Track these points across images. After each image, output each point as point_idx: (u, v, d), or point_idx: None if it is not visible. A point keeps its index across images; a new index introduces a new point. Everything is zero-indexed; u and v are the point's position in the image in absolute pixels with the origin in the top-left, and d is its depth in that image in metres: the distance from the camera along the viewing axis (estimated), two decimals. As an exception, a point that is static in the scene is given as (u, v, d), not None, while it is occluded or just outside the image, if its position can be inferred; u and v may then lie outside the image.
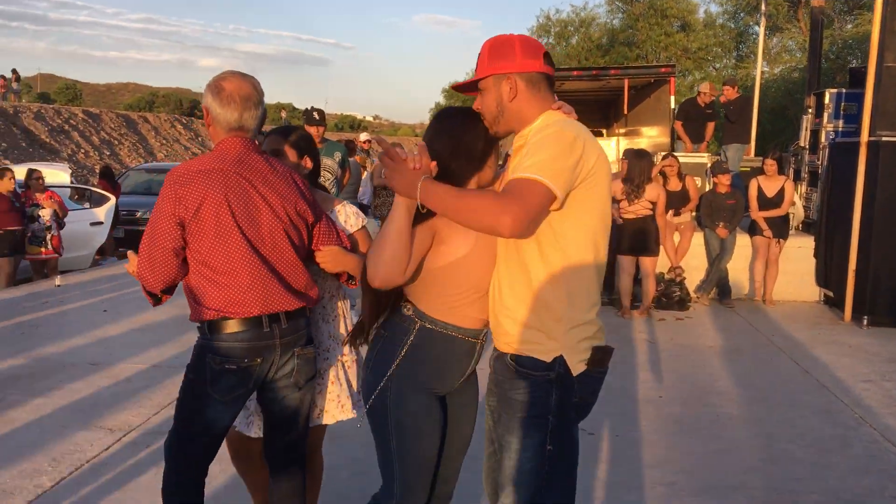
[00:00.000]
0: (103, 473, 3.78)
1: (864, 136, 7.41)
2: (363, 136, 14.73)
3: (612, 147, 14.95)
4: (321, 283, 2.70)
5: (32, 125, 33.20)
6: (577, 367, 2.05)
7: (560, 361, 2.04)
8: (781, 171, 8.60)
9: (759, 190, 8.34)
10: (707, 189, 8.94)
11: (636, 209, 7.61)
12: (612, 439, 4.44)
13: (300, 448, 2.69)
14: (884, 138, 7.27)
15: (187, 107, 64.46)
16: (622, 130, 17.48)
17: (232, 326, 2.44)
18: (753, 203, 8.36)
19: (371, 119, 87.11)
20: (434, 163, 2.03)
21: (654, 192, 7.64)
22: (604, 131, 18.48)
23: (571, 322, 2.04)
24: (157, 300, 2.49)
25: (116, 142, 38.03)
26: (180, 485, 2.53)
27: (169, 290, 2.49)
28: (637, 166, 7.62)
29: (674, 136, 11.92)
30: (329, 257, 2.59)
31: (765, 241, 8.34)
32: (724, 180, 8.35)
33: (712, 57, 24.64)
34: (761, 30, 12.73)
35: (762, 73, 24.82)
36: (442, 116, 2.25)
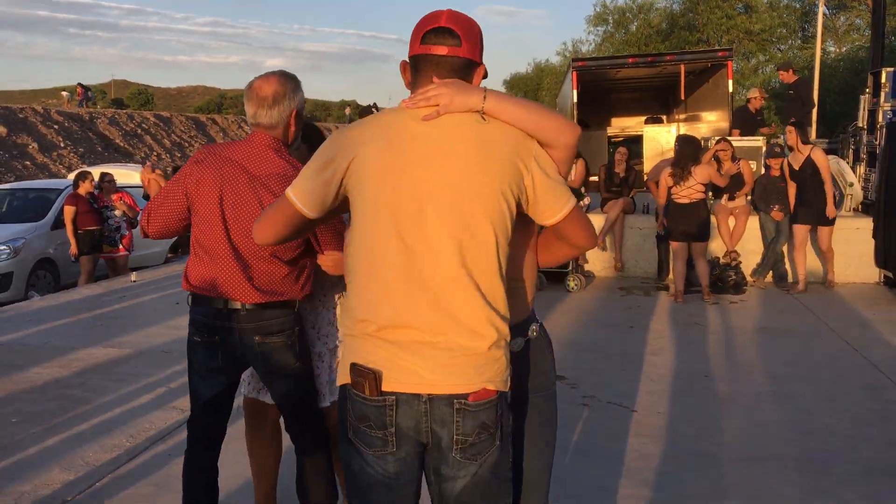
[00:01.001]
0: (176, 448, 4.13)
1: (920, 114, 7.33)
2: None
3: (672, 133, 14.90)
4: (323, 273, 2.79)
5: (107, 130, 34.62)
6: (341, 377, 1.84)
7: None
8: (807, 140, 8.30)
9: (789, 166, 8.20)
10: (762, 173, 8.92)
11: (689, 193, 7.66)
12: (653, 415, 4.59)
13: (314, 428, 2.83)
14: (940, 116, 7.18)
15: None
16: (682, 116, 17.36)
17: (198, 301, 2.68)
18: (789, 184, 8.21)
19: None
20: None
21: (703, 173, 7.68)
22: (664, 118, 18.36)
23: (348, 331, 1.83)
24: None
25: (187, 144, 39.32)
26: (190, 458, 2.80)
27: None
28: (682, 150, 7.72)
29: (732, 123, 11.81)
30: (329, 262, 2.68)
31: (801, 227, 8.12)
32: (777, 164, 8.33)
33: (776, 38, 24.12)
34: (820, 8, 12.48)
35: (827, 53, 24.22)
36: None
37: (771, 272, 8.68)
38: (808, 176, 7.92)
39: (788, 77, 10.92)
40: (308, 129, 2.89)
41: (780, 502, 3.48)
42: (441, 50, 1.83)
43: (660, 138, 14.22)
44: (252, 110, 2.64)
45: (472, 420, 1.75)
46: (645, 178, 10.43)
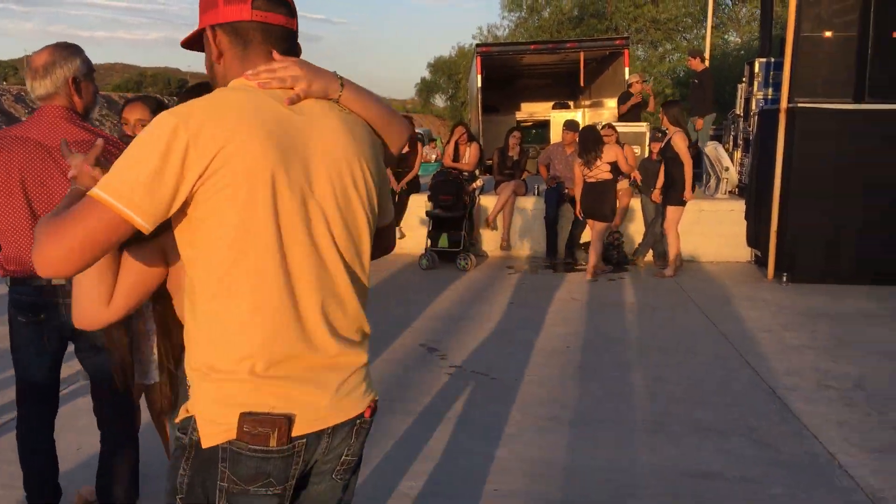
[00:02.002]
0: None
1: (784, 103, 7.80)
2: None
3: (580, 118, 15.33)
4: None
5: (12, 107, 33.23)
6: (216, 435, 1.48)
7: (192, 422, 1.52)
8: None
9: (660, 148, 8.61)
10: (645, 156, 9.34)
11: (596, 174, 8.10)
12: (511, 382, 4.86)
13: (126, 415, 2.86)
14: (800, 105, 7.66)
15: (175, 86, 64.11)
16: (587, 102, 17.87)
17: (18, 282, 2.67)
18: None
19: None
20: None
21: (611, 153, 8.14)
22: (571, 103, 18.83)
23: (214, 372, 1.49)
24: None
25: (98, 123, 38.08)
26: (25, 434, 2.85)
27: None
28: (585, 140, 8.20)
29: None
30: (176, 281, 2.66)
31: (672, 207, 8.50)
32: (657, 148, 8.74)
33: (682, 28, 24.97)
34: (710, 2, 13.04)
35: (728, 42, 25.16)
36: (185, 92, 2.06)
37: (651, 251, 9.11)
38: (670, 158, 8.27)
39: (697, 65, 11.40)
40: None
41: (614, 458, 3.77)
42: (279, 19, 1.56)
43: (567, 123, 14.61)
44: (28, 83, 2.64)
45: (362, 437, 1.64)
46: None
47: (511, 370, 5.10)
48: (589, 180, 8.18)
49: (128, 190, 1.35)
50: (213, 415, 1.48)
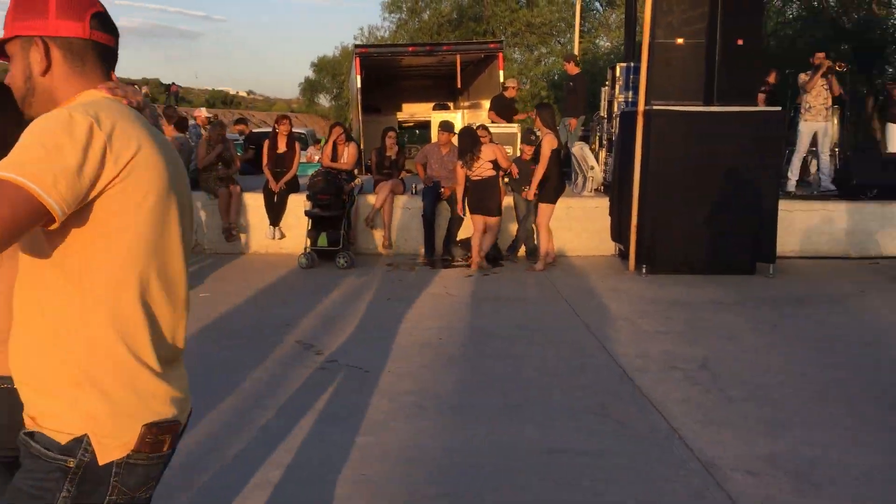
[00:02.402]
0: None
1: (641, 106, 8.31)
2: (204, 112, 14.77)
3: (458, 120, 15.68)
4: None
5: None
6: (113, 451, 1.48)
7: (84, 443, 1.47)
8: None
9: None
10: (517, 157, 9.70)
11: (480, 171, 8.55)
12: (383, 374, 5.03)
13: None
14: (655, 107, 8.18)
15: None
16: (466, 104, 18.27)
17: None
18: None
19: (245, 94, 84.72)
20: None
21: (489, 151, 8.60)
22: (451, 105, 19.20)
23: (94, 383, 1.47)
24: None
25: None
26: None
27: None
28: (462, 142, 8.69)
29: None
30: None
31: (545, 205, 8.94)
32: (529, 149, 9.12)
33: (557, 32, 25.86)
34: (577, 5, 13.64)
35: (599, 47, 26.23)
36: None
37: (524, 247, 9.48)
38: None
39: (572, 69, 11.91)
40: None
41: (474, 440, 4.00)
42: (111, 41, 1.63)
43: (447, 124, 14.95)
44: None
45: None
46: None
47: (384, 363, 5.27)
48: (474, 178, 8.59)
49: (51, 179, 1.34)
50: (109, 429, 1.47)
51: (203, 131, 11.43)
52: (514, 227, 9.49)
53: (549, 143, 8.47)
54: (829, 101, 10.29)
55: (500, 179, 8.85)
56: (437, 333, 6.05)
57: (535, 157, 8.78)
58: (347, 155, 9.68)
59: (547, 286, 7.88)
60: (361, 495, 3.42)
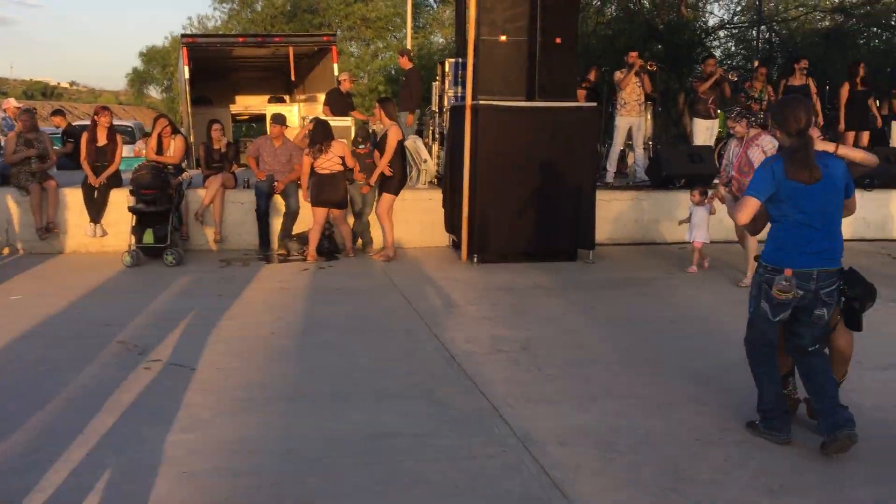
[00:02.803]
0: None
1: (468, 101, 8.58)
2: (14, 102, 13.77)
3: (295, 112, 15.51)
4: None
5: None
6: None
7: None
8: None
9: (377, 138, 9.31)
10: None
11: (329, 165, 8.69)
12: (211, 371, 4.96)
13: None
14: (481, 102, 8.48)
15: None
16: (302, 97, 18.10)
17: None
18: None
19: (67, 85, 79.23)
20: None
21: (339, 147, 8.81)
22: (287, 98, 18.96)
23: None
24: None
25: None
26: None
27: None
28: (315, 131, 8.88)
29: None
30: None
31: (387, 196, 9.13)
32: (367, 145, 9.20)
33: (392, 27, 26.06)
34: (409, 1, 13.84)
35: (433, 43, 26.69)
36: None
37: (360, 240, 9.55)
38: (384, 148, 8.80)
39: (405, 63, 12.07)
40: None
41: (302, 429, 4.04)
42: None
43: (282, 117, 14.73)
44: None
45: None
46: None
47: (212, 360, 5.19)
48: (321, 171, 8.69)
49: None
50: None
51: (16, 123, 10.67)
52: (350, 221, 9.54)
53: (394, 135, 8.75)
54: (643, 98, 11.02)
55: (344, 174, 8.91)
56: (268, 327, 6.01)
57: (380, 150, 8.86)
58: (174, 148, 9.36)
59: (381, 277, 8.00)
60: (184, 491, 3.39)
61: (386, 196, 8.86)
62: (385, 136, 8.81)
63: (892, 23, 18.83)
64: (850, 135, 11.78)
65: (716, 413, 4.33)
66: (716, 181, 8.21)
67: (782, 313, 3.83)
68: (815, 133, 4.02)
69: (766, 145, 7.24)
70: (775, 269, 3.76)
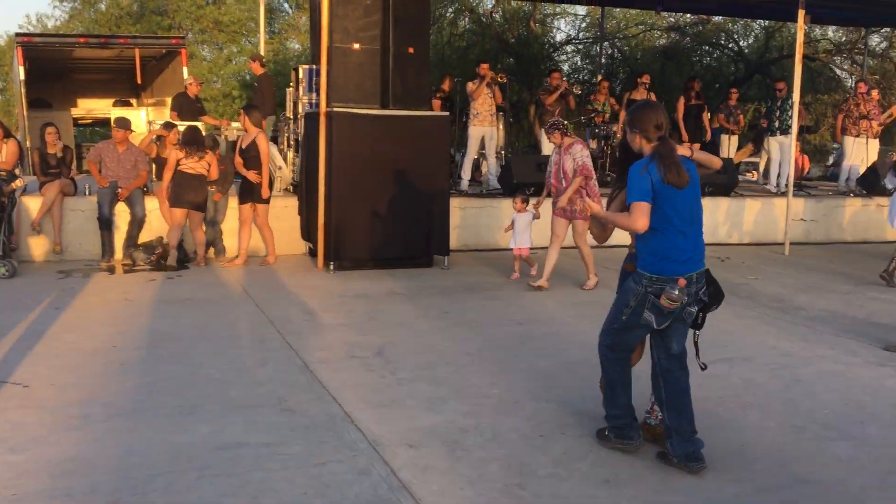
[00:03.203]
0: None
1: (323, 108, 8.54)
2: None
3: (143, 117, 14.87)
4: None
5: None
6: None
7: None
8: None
9: (238, 146, 9.15)
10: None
11: (196, 167, 8.62)
12: (45, 387, 4.69)
13: None
14: (336, 109, 8.46)
15: None
16: (151, 101, 17.41)
17: None
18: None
19: None
20: None
21: (209, 156, 8.78)
22: (133, 101, 18.18)
23: None
24: None
25: None
26: None
27: None
28: (184, 135, 8.84)
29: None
30: None
31: (244, 205, 8.98)
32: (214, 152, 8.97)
33: (246, 31, 25.49)
34: (262, 6, 13.65)
35: (289, 48, 26.34)
36: None
37: (212, 248, 9.28)
38: (252, 157, 8.67)
39: (257, 69, 11.85)
40: None
41: (145, 445, 3.89)
42: None
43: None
44: None
45: None
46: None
47: (46, 376, 4.91)
48: (188, 171, 8.56)
49: None
50: None
51: None
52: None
53: (264, 142, 8.72)
54: (494, 109, 11.34)
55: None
56: (110, 340, 5.75)
57: (245, 158, 8.67)
58: (6, 153, 8.78)
59: (234, 287, 7.81)
60: (12, 515, 3.19)
61: (263, 206, 8.86)
62: (253, 143, 8.65)
63: (722, 42, 20.30)
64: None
65: (559, 409, 4.52)
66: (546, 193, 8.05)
67: (666, 321, 3.75)
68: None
69: (577, 154, 7.58)
70: (662, 278, 3.66)
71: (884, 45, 18.39)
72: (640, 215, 3.62)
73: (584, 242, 7.82)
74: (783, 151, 12.13)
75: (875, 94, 12.81)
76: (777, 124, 12.23)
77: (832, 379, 5.22)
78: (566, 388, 4.86)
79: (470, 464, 3.78)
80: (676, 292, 3.62)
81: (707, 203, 11.35)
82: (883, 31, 17.56)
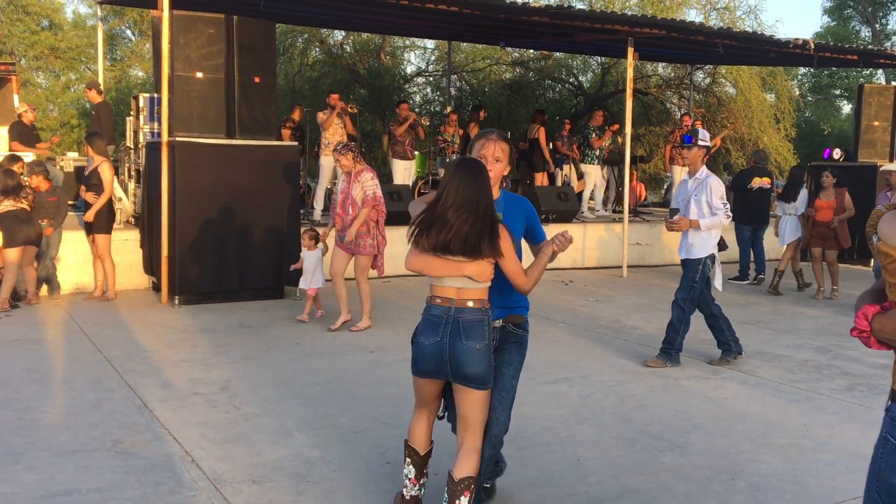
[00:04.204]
0: None
1: (165, 137, 8.29)
2: None
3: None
4: None
5: None
6: None
7: None
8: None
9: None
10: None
11: (12, 203, 8.07)
12: None
13: None
14: (178, 138, 8.24)
15: None
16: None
17: None
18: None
19: None
20: None
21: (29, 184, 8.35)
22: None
23: None
24: None
25: None
26: None
27: None
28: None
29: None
30: None
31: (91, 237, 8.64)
32: (36, 179, 8.48)
33: (86, 58, 24.32)
34: (99, 32, 13.14)
35: (130, 75, 25.42)
36: None
37: (46, 285, 8.75)
38: (95, 185, 8.33)
39: (94, 97, 11.36)
40: None
41: (-44, 499, 3.61)
42: None
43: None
44: None
45: None
46: None
47: None
48: (7, 209, 8.04)
49: None
50: None
51: None
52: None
53: (110, 170, 8.44)
54: (346, 138, 11.38)
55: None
56: (-76, 388, 5.30)
57: (89, 186, 8.29)
58: None
59: (69, 325, 7.40)
60: None
61: (104, 236, 8.52)
62: (96, 171, 8.30)
63: (563, 76, 21.32)
64: (539, 175, 13.18)
65: (404, 435, 4.56)
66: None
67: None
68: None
69: (367, 182, 7.04)
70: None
71: (707, 80, 19.89)
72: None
73: (365, 280, 7.30)
74: (596, 176, 13.21)
75: (699, 126, 13.85)
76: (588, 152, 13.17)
77: (663, 393, 5.56)
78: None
79: (315, 496, 3.76)
80: None
81: (551, 230, 11.94)
82: (707, 67, 19.01)
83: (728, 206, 6.28)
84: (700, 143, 6.30)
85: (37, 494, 3.68)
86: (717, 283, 6.34)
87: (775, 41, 12.10)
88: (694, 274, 6.17)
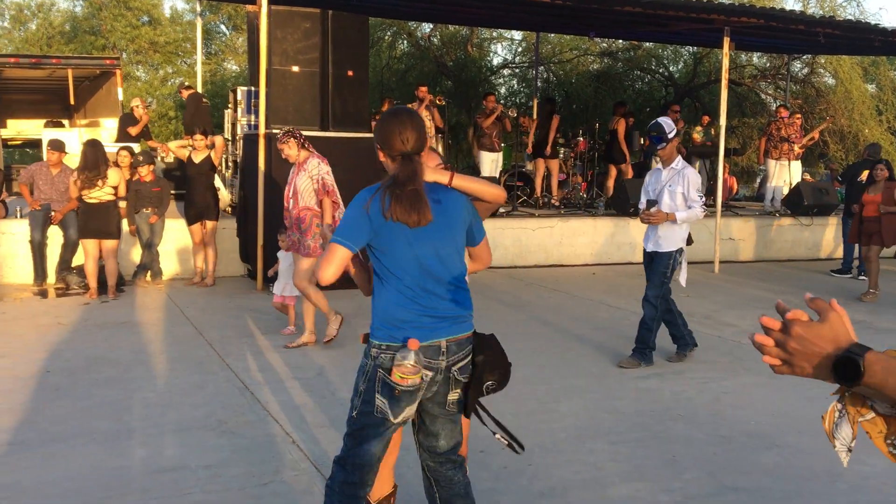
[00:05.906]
0: None
1: (262, 129, 8.55)
2: None
3: (76, 138, 14.56)
4: None
5: None
6: None
7: None
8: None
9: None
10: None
11: (99, 195, 8.15)
12: (-25, 415, 4.59)
13: None
14: (275, 130, 8.47)
15: None
16: (84, 122, 17.07)
17: None
18: None
19: None
20: None
21: (115, 177, 8.33)
22: (66, 122, 17.80)
23: None
24: None
25: None
26: None
27: None
28: (93, 155, 8.19)
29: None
30: None
31: (196, 225, 8.96)
32: (147, 170, 8.87)
33: (182, 52, 25.23)
34: (199, 27, 13.59)
35: (226, 69, 26.17)
36: None
37: (149, 272, 9.15)
38: (193, 175, 8.66)
39: (183, 94, 11.81)
40: None
41: (80, 470, 3.85)
42: None
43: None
44: None
45: None
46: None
47: (-24, 402, 4.80)
48: (89, 201, 8.15)
49: None
50: None
51: None
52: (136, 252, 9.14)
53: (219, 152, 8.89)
54: (433, 131, 11.49)
55: (117, 203, 8.49)
56: (44, 365, 5.64)
57: (156, 179, 8.60)
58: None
59: (171, 309, 7.73)
60: (-57, 544, 3.13)
61: (214, 223, 8.93)
62: (208, 159, 8.78)
63: (653, 67, 20.92)
64: (623, 167, 12.99)
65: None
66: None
67: (407, 408, 2.67)
68: (432, 160, 2.99)
69: (312, 169, 6.23)
70: (391, 345, 2.64)
71: (805, 70, 19.20)
72: (329, 262, 2.62)
73: (308, 285, 6.11)
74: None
75: (797, 118, 13.38)
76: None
77: (758, 390, 5.44)
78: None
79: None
80: (409, 363, 2.55)
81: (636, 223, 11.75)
82: (805, 57, 18.34)
83: (704, 198, 5.97)
84: (670, 137, 5.82)
85: (150, 469, 3.89)
86: (682, 279, 6.02)
87: (881, 30, 11.58)
88: (665, 269, 5.87)
